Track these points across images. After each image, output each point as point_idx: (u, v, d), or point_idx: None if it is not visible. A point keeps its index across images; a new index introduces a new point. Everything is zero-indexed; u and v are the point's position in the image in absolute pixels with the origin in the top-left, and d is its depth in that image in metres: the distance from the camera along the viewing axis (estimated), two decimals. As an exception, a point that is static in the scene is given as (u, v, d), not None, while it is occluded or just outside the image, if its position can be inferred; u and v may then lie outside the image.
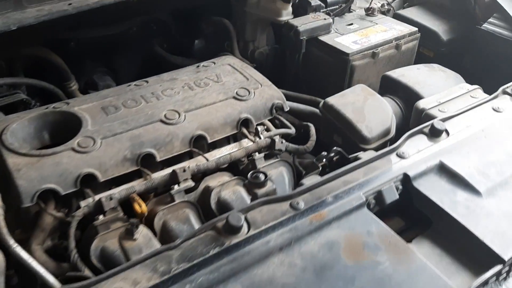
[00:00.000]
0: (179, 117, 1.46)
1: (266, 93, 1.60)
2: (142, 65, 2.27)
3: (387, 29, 1.99)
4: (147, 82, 1.64)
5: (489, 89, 1.56)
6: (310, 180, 1.24)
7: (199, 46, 2.26)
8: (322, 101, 1.61)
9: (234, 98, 1.57)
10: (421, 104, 1.50)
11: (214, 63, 1.76)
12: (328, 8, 2.11)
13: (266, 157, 1.53)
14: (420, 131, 1.34)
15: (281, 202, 1.11)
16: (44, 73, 1.90)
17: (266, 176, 1.33)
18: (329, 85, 1.90)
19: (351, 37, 1.93)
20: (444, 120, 1.38)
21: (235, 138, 1.58)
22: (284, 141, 1.54)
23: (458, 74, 1.84)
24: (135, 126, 1.41)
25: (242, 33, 2.19)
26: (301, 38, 1.90)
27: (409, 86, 1.71)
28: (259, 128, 1.57)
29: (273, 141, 1.51)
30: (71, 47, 2.02)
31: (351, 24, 2.04)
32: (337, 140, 1.59)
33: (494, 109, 1.44)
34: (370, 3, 2.17)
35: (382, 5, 2.17)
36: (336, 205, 1.12)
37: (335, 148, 1.35)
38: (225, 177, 1.45)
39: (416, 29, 2.01)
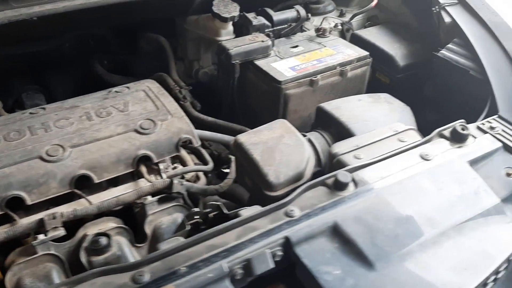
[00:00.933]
0: (63, 153, 1.30)
1: (174, 126, 1.43)
2: (81, 83, 2.13)
3: (334, 53, 1.79)
4: (44, 109, 1.49)
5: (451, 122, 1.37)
6: (168, 243, 1.05)
7: (141, 64, 2.11)
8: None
9: (136, 131, 1.40)
10: (335, 147, 1.29)
11: (128, 88, 1.60)
12: (275, 28, 1.92)
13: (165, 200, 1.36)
14: (322, 183, 1.15)
15: (122, 273, 0.93)
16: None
17: (109, 239, 1.15)
18: (264, 114, 1.71)
19: (291, 61, 1.74)
20: (354, 170, 1.17)
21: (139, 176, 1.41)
22: (184, 182, 1.36)
23: (408, 106, 1.63)
24: (7, 163, 1.26)
25: (185, 51, 2.03)
26: (233, 62, 1.72)
27: (342, 121, 1.50)
28: (162, 166, 1.40)
29: (170, 182, 1.33)
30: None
31: (296, 46, 1.85)
32: (248, 182, 1.40)
33: (422, 157, 1.23)
34: (321, 22, 1.98)
35: (336, 25, 1.96)
36: (189, 277, 0.94)
37: (213, 202, 1.16)
38: (110, 223, 1.28)
39: (367, 53, 1.80)
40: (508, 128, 1.35)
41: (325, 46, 1.85)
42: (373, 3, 2.01)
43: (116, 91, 1.58)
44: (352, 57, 1.77)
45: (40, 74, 2.05)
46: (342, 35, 2.07)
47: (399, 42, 1.93)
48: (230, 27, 1.88)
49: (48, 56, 1.98)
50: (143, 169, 1.38)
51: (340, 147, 1.28)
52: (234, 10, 1.82)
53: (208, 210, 1.13)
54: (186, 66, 2.08)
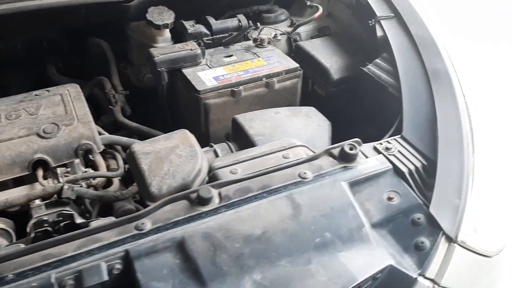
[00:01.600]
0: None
1: (76, 131, 1.44)
2: (35, 84, 2.18)
3: (264, 64, 1.77)
4: (-34, 105, 1.54)
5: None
6: (6, 250, 1.06)
7: (91, 67, 2.14)
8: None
9: (37, 134, 1.42)
10: (216, 161, 1.27)
11: (48, 91, 1.62)
12: (214, 36, 1.91)
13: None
14: (185, 197, 1.13)
15: None
16: None
17: None
18: (190, 123, 1.70)
19: (218, 71, 1.73)
20: (223, 185, 1.15)
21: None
22: (76, 188, 1.37)
23: (329, 121, 1.59)
24: None
25: (132, 56, 2.05)
26: (158, 69, 1.72)
27: (249, 134, 1.48)
28: (59, 170, 1.42)
29: (61, 188, 1.35)
30: None
31: (230, 56, 1.84)
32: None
33: (299, 175, 1.19)
34: (259, 32, 1.95)
35: (275, 36, 1.94)
36: (13, 285, 0.94)
37: (65, 211, 1.16)
38: (-2, 224, 1.31)
39: (297, 65, 1.77)
40: (406, 149, 1.30)
41: (258, 57, 1.82)
42: (316, 15, 1.98)
43: (36, 94, 1.61)
44: (280, 68, 1.74)
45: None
46: (289, 45, 2.04)
47: (339, 55, 1.88)
48: (166, 34, 1.88)
49: (1, 56, 2.04)
50: (39, 172, 1.40)
51: (221, 161, 1.27)
52: (168, 18, 1.83)
53: (59, 218, 1.13)
54: (134, 70, 2.10)
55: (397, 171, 1.24)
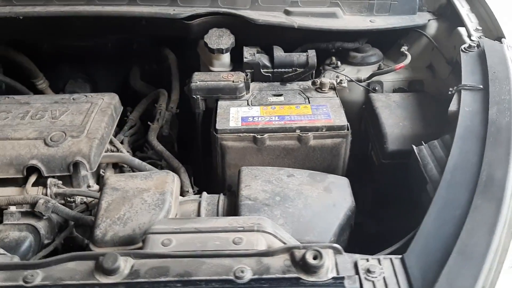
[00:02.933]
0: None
1: (77, 146, 1.41)
2: (121, 82, 2.26)
3: (309, 113, 1.50)
4: (7, 98, 1.63)
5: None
6: None
7: (163, 77, 2.12)
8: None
9: (44, 140, 1.43)
10: (159, 223, 1.08)
11: (86, 97, 1.64)
12: (275, 69, 1.70)
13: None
14: (95, 258, 0.98)
15: None
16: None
17: None
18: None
19: (253, 111, 1.52)
20: (140, 256, 0.97)
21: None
22: (51, 204, 1.33)
23: (353, 203, 1.27)
24: None
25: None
26: (194, 96, 1.58)
27: (239, 195, 1.26)
28: (49, 181, 1.40)
29: (37, 200, 1.32)
30: (44, 50, 2.13)
31: (280, 95, 1.60)
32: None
33: (235, 274, 0.94)
34: (322, 73, 1.67)
35: (340, 81, 1.62)
36: None
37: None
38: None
39: (345, 124, 1.45)
40: (396, 279, 0.94)
41: (309, 103, 1.56)
42: (398, 66, 1.61)
43: (73, 98, 1.63)
44: (322, 123, 1.45)
45: (87, 66, 2.25)
46: (365, 95, 1.71)
47: (411, 120, 1.50)
48: (224, 59, 1.74)
49: (93, 52, 2.15)
50: (31, 179, 1.40)
51: (162, 224, 1.08)
52: (225, 43, 1.68)
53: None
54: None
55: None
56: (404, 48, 1.72)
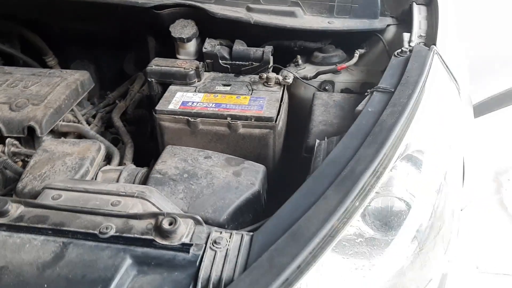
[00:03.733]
0: None
1: (33, 112, 1.59)
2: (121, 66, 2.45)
3: (245, 104, 1.59)
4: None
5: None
6: None
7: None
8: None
9: (9, 106, 1.62)
10: (55, 180, 1.23)
11: (61, 72, 1.82)
12: (233, 62, 1.80)
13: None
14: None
15: None
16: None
17: None
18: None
19: (196, 97, 1.64)
20: (30, 204, 1.12)
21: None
22: (3, 159, 1.52)
23: (258, 188, 1.35)
24: None
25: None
26: (149, 79, 1.72)
27: (152, 169, 1.38)
28: (8, 140, 1.59)
29: (-10, 155, 1.52)
30: (55, 32, 2.36)
31: (229, 85, 1.70)
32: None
33: (100, 230, 1.07)
34: (269, 69, 1.74)
35: (285, 77, 1.69)
36: None
37: None
38: None
39: (272, 116, 1.52)
40: (238, 250, 1.02)
41: (251, 95, 1.64)
42: (339, 66, 1.65)
43: (49, 72, 1.82)
44: (252, 113, 1.54)
45: (93, 49, 2.45)
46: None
47: (341, 119, 1.54)
48: (189, 48, 1.86)
49: (97, 36, 2.35)
50: (-7, 138, 1.60)
51: (59, 182, 1.22)
52: (187, 32, 1.80)
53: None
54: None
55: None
56: (359, 51, 1.76)
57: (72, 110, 1.75)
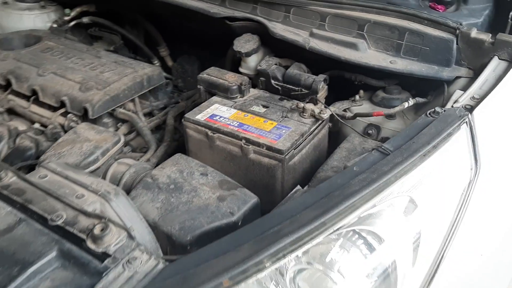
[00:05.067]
0: (43, 72, 1.93)
1: (93, 96, 1.78)
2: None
3: (267, 130, 1.53)
4: (93, 50, 2.12)
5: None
6: None
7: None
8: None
9: (80, 86, 1.85)
10: (54, 161, 1.36)
11: (137, 64, 2.00)
12: (285, 84, 1.74)
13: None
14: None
15: None
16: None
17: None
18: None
19: (228, 112, 1.64)
20: (18, 175, 1.28)
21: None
22: (55, 131, 1.74)
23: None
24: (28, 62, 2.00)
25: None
26: (198, 85, 1.78)
27: (151, 172, 1.44)
28: (68, 116, 1.81)
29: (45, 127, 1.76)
30: (170, 27, 2.58)
31: (266, 107, 1.66)
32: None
33: (52, 218, 1.17)
34: (307, 100, 1.62)
35: (320, 112, 1.55)
36: None
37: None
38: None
39: (282, 150, 1.44)
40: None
41: (279, 122, 1.57)
42: (375, 112, 1.46)
43: (127, 62, 2.01)
44: (267, 142, 1.48)
45: (200, 48, 2.61)
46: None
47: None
48: (250, 62, 1.86)
49: (203, 37, 2.51)
50: (61, 110, 1.83)
51: (56, 165, 1.34)
52: (247, 47, 1.80)
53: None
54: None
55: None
56: (416, 100, 1.54)
57: (133, 100, 1.91)
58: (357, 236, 1.02)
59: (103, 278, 1.02)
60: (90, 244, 1.09)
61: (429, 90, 1.65)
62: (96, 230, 1.09)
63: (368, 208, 1.01)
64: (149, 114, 2.02)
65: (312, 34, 1.74)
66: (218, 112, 1.65)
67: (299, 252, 0.96)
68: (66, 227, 1.13)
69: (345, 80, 1.78)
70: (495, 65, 1.42)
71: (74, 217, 1.16)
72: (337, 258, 1.00)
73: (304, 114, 1.60)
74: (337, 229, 0.98)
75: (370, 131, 1.61)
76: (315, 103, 1.67)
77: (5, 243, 1.12)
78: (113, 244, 1.09)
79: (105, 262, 1.06)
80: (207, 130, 1.57)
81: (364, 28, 1.65)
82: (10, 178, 1.28)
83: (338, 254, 1.00)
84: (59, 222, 1.14)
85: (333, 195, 1.04)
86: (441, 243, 1.07)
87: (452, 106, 1.28)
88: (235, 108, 1.67)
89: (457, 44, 1.52)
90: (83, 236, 1.11)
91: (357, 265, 1.01)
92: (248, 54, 1.81)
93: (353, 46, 1.66)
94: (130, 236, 1.12)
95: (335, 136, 1.74)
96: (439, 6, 1.65)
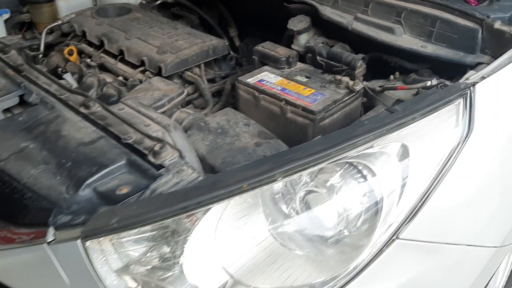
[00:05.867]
0: (130, 37, 2.32)
1: (166, 58, 2.13)
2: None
3: (305, 95, 1.80)
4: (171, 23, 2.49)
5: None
6: None
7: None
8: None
9: (157, 50, 2.21)
10: (129, 98, 1.71)
11: (206, 37, 2.33)
12: (328, 60, 1.99)
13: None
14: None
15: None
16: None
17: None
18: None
19: (275, 79, 1.92)
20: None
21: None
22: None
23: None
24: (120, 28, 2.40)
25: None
26: (253, 56, 2.08)
27: (205, 118, 1.76)
28: (146, 73, 2.18)
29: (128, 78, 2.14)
30: (240, 10, 2.90)
31: (308, 77, 1.92)
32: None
33: (125, 137, 1.53)
34: (342, 75, 1.85)
35: (353, 84, 1.79)
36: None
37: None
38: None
39: (314, 110, 1.70)
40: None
41: (317, 90, 1.83)
42: (399, 86, 1.67)
43: (198, 34, 2.35)
44: (303, 104, 1.74)
45: (265, 31, 2.90)
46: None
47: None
48: (300, 40, 2.12)
49: (267, 20, 2.80)
50: (140, 68, 2.20)
51: (130, 101, 1.69)
52: (299, 26, 2.07)
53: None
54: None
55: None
56: (436, 80, 1.74)
57: (199, 66, 2.25)
58: (356, 170, 1.27)
59: (156, 180, 1.34)
60: (150, 158, 1.42)
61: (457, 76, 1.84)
62: (156, 148, 1.42)
63: (366, 148, 1.25)
64: (211, 81, 2.34)
65: (356, 18, 1.98)
66: (266, 78, 1.94)
67: (305, 173, 1.23)
68: (134, 145, 1.47)
69: (383, 62, 2.00)
70: None
71: (141, 138, 1.50)
72: (338, 184, 1.25)
73: (339, 85, 1.85)
74: (339, 159, 1.23)
75: (396, 106, 1.82)
76: (352, 78, 1.91)
77: (89, 150, 1.48)
78: (168, 159, 1.41)
79: (160, 171, 1.38)
80: (254, 91, 1.87)
81: (401, 15, 1.87)
82: (97, 107, 1.65)
83: (339, 181, 1.26)
84: (130, 141, 1.49)
85: (339, 136, 1.29)
86: (424, 190, 1.28)
87: (465, 81, 1.48)
88: (281, 76, 1.95)
89: (482, 34, 1.70)
90: (146, 152, 1.44)
91: (353, 192, 1.26)
92: (300, 32, 2.08)
93: (390, 30, 1.88)
94: (181, 156, 1.44)
95: (368, 111, 1.97)
96: (472, 0, 1.83)
